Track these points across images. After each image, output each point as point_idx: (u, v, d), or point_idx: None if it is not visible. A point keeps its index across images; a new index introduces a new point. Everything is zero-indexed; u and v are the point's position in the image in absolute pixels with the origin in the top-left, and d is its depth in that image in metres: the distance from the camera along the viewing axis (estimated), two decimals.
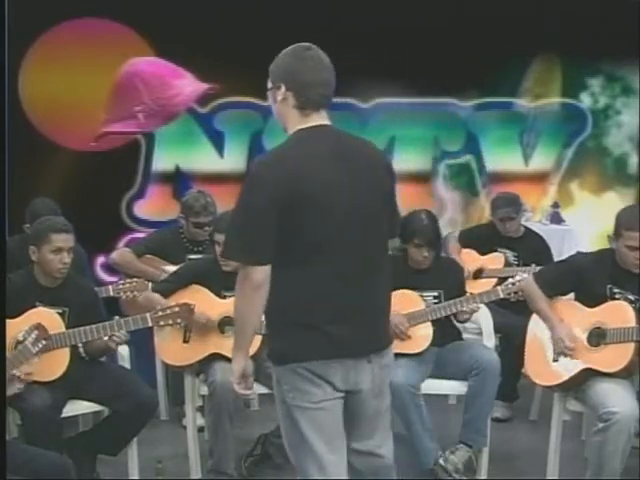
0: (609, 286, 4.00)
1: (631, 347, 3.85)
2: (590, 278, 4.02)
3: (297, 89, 2.83)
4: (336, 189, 2.79)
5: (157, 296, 4.35)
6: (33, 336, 3.61)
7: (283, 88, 2.85)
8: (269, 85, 2.91)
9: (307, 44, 2.87)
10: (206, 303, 4.28)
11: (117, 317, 4.10)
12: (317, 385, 2.83)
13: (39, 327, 3.66)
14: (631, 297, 3.97)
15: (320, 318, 2.81)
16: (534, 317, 4.21)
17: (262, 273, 2.78)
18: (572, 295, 4.22)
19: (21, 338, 3.67)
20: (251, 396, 2.92)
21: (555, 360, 4.05)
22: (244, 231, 2.78)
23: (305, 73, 2.82)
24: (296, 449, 2.91)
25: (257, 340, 4.24)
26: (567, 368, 4.00)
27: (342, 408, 2.91)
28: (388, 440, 3.05)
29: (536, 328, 4.18)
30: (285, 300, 2.83)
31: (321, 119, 2.87)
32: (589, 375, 3.94)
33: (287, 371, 2.85)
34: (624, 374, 3.88)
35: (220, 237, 4.31)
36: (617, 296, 3.99)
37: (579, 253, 4.30)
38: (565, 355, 4.00)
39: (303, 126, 2.86)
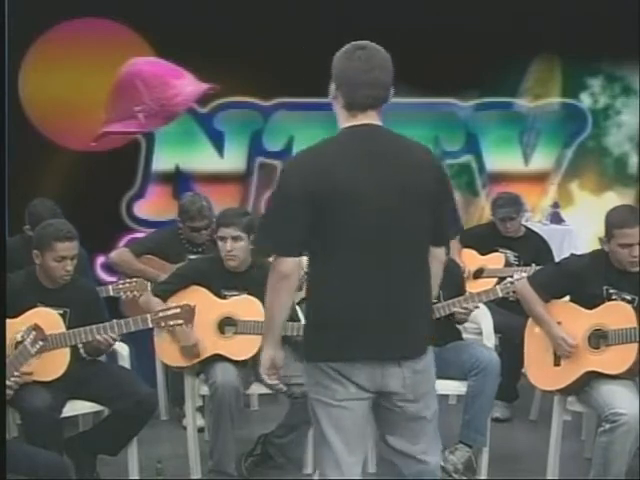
0: (605, 287, 3.99)
1: (635, 348, 3.84)
2: (586, 280, 4.01)
3: (344, 89, 2.86)
4: (365, 189, 2.78)
5: (157, 300, 4.33)
6: (31, 337, 3.62)
7: (333, 87, 2.90)
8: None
9: (362, 43, 2.88)
10: (206, 303, 4.28)
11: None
12: (341, 384, 2.83)
13: (37, 328, 3.68)
14: (628, 297, 3.97)
15: (348, 319, 2.81)
16: (531, 320, 4.19)
17: (289, 264, 2.80)
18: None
19: (19, 338, 3.68)
20: (279, 386, 2.96)
21: (557, 364, 4.04)
22: (273, 221, 2.84)
23: (352, 73, 2.84)
24: (317, 444, 2.94)
25: (257, 341, 4.25)
26: (569, 372, 3.99)
27: (367, 409, 2.90)
28: (435, 447, 3.01)
29: (534, 331, 4.15)
30: (318, 298, 2.86)
31: (368, 119, 2.88)
32: (591, 377, 3.93)
33: (313, 367, 2.87)
34: (627, 375, 3.88)
35: (225, 232, 4.31)
36: (614, 297, 3.98)
37: (573, 255, 4.28)
38: (567, 356, 3.99)
39: (348, 125, 2.88)
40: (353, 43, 2.87)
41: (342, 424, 2.86)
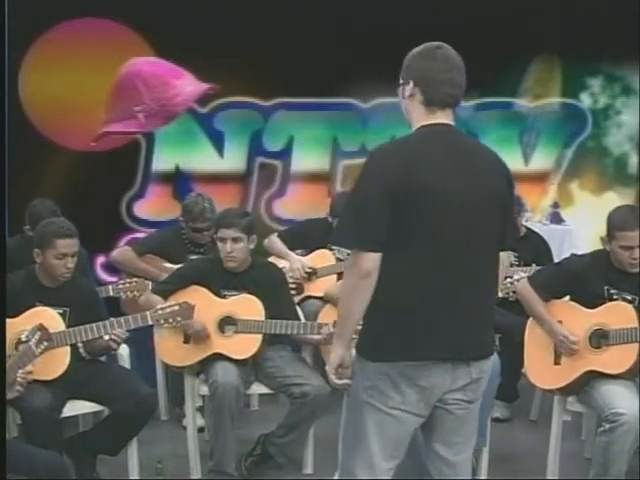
0: (606, 287, 3.99)
1: (635, 348, 3.84)
2: (587, 280, 4.02)
3: (425, 86, 2.87)
4: (447, 187, 2.76)
5: (157, 298, 4.32)
6: (36, 337, 3.61)
7: (412, 84, 2.89)
8: (400, 81, 2.94)
9: (437, 43, 2.90)
10: (206, 303, 4.28)
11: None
12: (400, 391, 2.77)
13: (42, 328, 3.66)
14: (628, 297, 3.98)
15: (422, 318, 2.75)
16: (532, 320, 4.19)
17: (371, 261, 2.72)
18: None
19: (24, 339, 3.66)
20: (345, 386, 2.85)
21: (557, 363, 4.04)
22: (356, 216, 2.77)
23: (433, 71, 2.86)
24: (351, 441, 2.87)
25: (257, 340, 4.26)
26: (569, 371, 3.99)
27: (417, 425, 2.85)
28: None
29: (534, 331, 4.16)
30: (391, 296, 2.76)
31: (445, 117, 2.89)
32: (591, 377, 3.93)
33: (373, 368, 2.79)
34: (627, 375, 3.88)
35: (225, 233, 4.31)
36: (615, 297, 3.98)
37: (573, 255, 4.28)
38: (569, 355, 3.99)
39: (426, 123, 2.87)
40: (428, 43, 2.90)
41: (388, 432, 2.81)
